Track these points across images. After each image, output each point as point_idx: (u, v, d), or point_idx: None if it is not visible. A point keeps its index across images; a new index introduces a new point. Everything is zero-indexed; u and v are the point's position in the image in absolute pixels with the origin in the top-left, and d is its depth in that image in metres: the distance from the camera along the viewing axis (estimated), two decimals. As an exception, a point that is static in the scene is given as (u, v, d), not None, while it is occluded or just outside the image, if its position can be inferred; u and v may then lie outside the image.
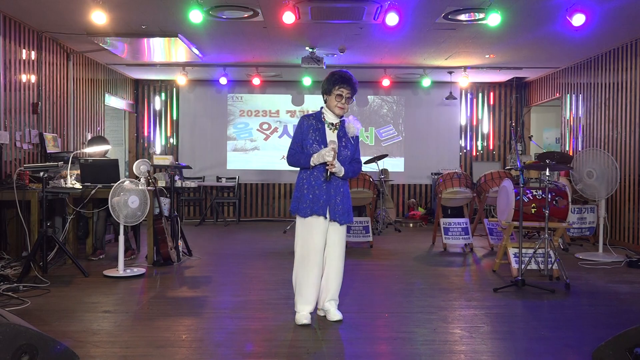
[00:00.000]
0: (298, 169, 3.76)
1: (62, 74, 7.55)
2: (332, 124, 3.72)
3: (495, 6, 5.74)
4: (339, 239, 3.73)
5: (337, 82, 3.65)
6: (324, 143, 3.64)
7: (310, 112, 3.91)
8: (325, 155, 3.56)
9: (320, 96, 3.81)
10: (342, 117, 3.75)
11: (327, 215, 3.64)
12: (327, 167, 3.59)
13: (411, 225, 9.64)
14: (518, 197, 5.13)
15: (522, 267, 4.86)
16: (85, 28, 6.66)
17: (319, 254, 3.66)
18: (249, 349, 3.26)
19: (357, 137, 3.78)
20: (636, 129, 7.03)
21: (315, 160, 3.60)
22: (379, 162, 8.79)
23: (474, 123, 10.77)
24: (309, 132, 3.67)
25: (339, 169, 3.60)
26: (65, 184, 5.62)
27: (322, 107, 3.78)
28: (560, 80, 9.15)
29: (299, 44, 7.59)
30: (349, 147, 3.71)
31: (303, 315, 3.65)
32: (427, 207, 10.56)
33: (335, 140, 3.66)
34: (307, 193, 3.65)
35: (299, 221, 3.70)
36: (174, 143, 10.57)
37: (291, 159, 3.72)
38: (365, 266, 5.89)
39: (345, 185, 3.75)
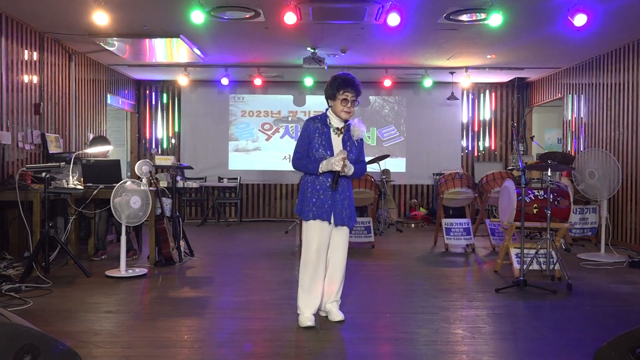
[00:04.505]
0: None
1: (64, 74, 7.56)
2: (338, 129, 3.67)
3: (496, 6, 5.73)
4: (343, 241, 3.73)
5: (340, 86, 3.58)
6: (329, 148, 3.60)
7: (315, 115, 3.87)
8: (335, 164, 3.50)
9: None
10: (347, 120, 3.71)
11: (332, 221, 3.63)
12: (335, 176, 3.54)
13: (413, 225, 9.63)
14: (520, 198, 5.13)
15: (524, 268, 4.85)
16: (87, 29, 6.67)
17: (322, 257, 3.66)
18: (250, 349, 3.26)
19: (362, 139, 3.75)
20: (638, 129, 7.01)
21: (323, 168, 3.55)
22: (380, 162, 8.78)
23: (476, 123, 10.77)
24: (314, 136, 3.62)
25: (349, 170, 3.58)
26: (67, 184, 5.62)
27: (327, 110, 3.72)
28: (562, 80, 9.14)
29: (300, 45, 7.59)
30: (353, 151, 3.67)
31: (307, 317, 3.64)
32: (428, 207, 10.55)
33: (345, 150, 3.60)
34: (311, 197, 3.63)
35: (304, 224, 3.70)
36: (176, 143, 10.59)
37: (297, 162, 3.65)
38: (367, 266, 5.88)
39: (350, 187, 3.74)
